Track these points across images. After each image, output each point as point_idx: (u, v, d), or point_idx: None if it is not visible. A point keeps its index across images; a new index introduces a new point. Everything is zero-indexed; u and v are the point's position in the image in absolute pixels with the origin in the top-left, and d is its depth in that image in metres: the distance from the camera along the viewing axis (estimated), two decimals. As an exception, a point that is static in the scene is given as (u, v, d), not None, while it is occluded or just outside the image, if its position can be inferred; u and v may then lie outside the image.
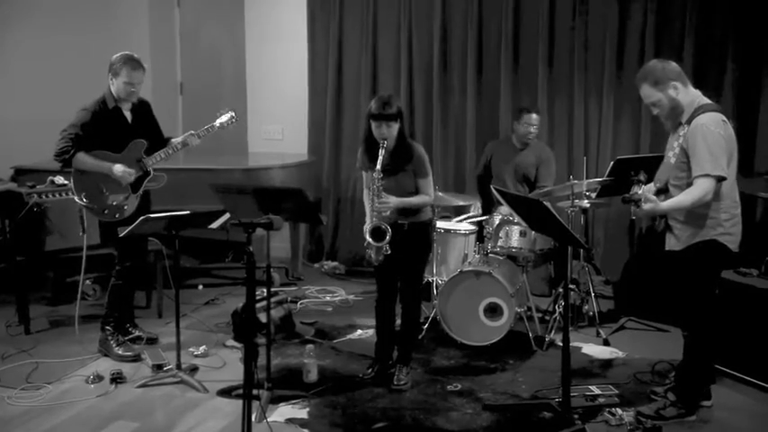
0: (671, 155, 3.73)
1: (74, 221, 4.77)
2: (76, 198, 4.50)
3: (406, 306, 4.29)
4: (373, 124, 4.03)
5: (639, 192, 3.54)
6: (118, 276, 4.67)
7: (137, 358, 4.57)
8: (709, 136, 3.50)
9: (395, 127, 4.02)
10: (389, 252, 4.04)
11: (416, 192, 4.12)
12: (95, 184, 4.49)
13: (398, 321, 4.38)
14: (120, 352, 4.60)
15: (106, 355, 4.63)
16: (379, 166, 3.98)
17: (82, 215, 4.71)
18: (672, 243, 3.78)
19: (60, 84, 6.06)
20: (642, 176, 3.59)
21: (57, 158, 4.43)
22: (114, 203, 4.52)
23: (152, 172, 4.62)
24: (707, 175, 3.49)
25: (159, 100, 7.37)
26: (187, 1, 7.75)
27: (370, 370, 4.37)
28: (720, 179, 3.52)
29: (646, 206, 3.55)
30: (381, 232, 4.01)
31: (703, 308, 3.73)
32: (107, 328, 4.68)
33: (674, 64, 3.71)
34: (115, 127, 4.52)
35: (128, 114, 4.59)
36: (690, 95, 3.66)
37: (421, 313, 4.50)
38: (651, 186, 3.83)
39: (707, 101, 3.68)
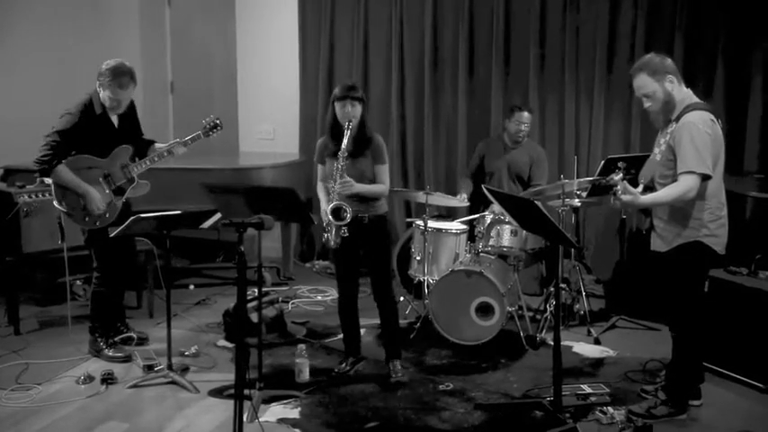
0: (657, 152, 3.73)
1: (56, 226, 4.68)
2: (56, 203, 4.43)
3: (382, 302, 4.33)
4: (338, 105, 4.11)
5: (616, 178, 3.49)
6: (99, 283, 4.63)
7: (127, 359, 4.56)
8: (696, 134, 3.49)
9: (359, 108, 4.11)
10: (347, 234, 4.08)
11: (374, 180, 4.19)
12: (75, 193, 4.41)
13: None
14: (110, 353, 4.59)
15: (97, 356, 4.62)
16: (344, 146, 4.04)
17: (60, 221, 4.62)
18: (657, 244, 3.78)
19: (50, 83, 6.04)
20: (622, 164, 3.53)
21: (37, 166, 4.32)
22: (96, 211, 4.47)
23: (137, 179, 4.58)
24: (691, 172, 3.48)
25: (150, 99, 7.36)
26: (178, 0, 7.73)
27: (343, 364, 4.42)
28: (705, 177, 3.51)
29: (624, 197, 3.50)
30: (341, 212, 4.04)
31: (690, 309, 3.73)
32: (96, 332, 4.67)
33: (670, 60, 3.70)
34: (101, 132, 4.45)
35: (114, 119, 4.53)
36: (682, 93, 3.66)
37: (398, 306, 4.50)
38: (640, 188, 3.83)
39: (697, 100, 3.68)
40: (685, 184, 3.50)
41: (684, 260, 3.66)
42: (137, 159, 4.57)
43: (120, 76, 4.35)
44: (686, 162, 3.49)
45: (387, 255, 4.41)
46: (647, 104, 3.71)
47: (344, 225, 4.06)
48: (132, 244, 4.87)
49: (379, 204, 4.25)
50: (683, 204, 3.57)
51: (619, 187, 3.48)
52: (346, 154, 4.06)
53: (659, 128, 3.81)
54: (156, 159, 4.57)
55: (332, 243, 4.15)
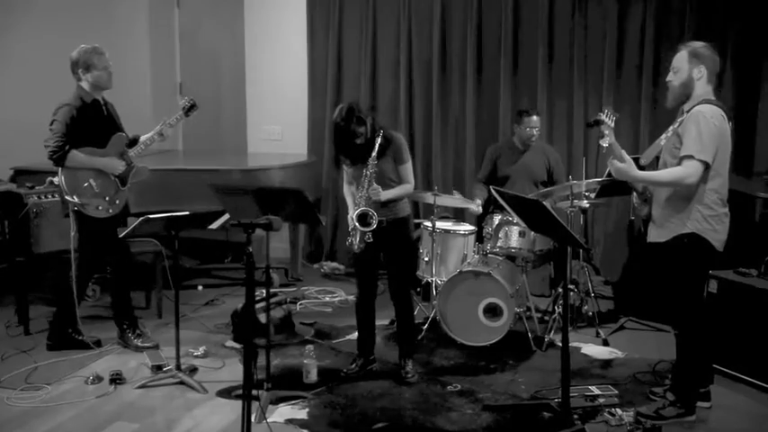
0: (663, 137, 3.74)
1: (68, 222, 4.67)
2: (69, 198, 4.46)
3: (399, 303, 4.34)
4: None
5: (603, 117, 3.54)
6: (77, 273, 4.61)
7: (155, 347, 4.70)
8: (703, 122, 3.52)
9: (361, 129, 4.03)
10: (371, 240, 4.07)
11: (398, 180, 4.18)
12: (86, 181, 4.49)
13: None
14: (138, 343, 4.71)
15: (126, 347, 4.72)
16: (374, 154, 4.03)
17: (72, 215, 4.58)
18: (653, 234, 3.78)
19: (59, 84, 6.02)
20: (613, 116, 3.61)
21: (52, 157, 4.41)
22: (107, 198, 4.54)
23: (135, 165, 4.66)
24: (691, 157, 3.50)
25: (158, 101, 7.39)
26: (187, 1, 7.75)
27: (353, 365, 4.41)
28: (706, 166, 3.51)
29: (617, 164, 3.57)
30: (367, 218, 4.04)
31: (691, 306, 3.72)
32: (124, 323, 4.77)
33: (718, 59, 3.70)
34: (97, 121, 4.55)
35: (103, 108, 4.64)
36: (704, 89, 3.65)
37: (414, 307, 4.52)
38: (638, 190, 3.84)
39: (714, 99, 3.68)
40: (685, 169, 3.52)
41: (681, 253, 3.65)
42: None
43: (94, 49, 4.54)
44: (688, 147, 3.52)
45: (405, 257, 4.37)
46: (669, 77, 3.73)
47: (370, 231, 4.05)
48: (125, 245, 4.83)
49: (399, 207, 4.23)
50: (684, 191, 3.58)
51: (605, 129, 3.52)
52: (376, 161, 4.05)
53: (669, 106, 3.79)
54: (149, 143, 4.65)
55: (355, 247, 4.13)
